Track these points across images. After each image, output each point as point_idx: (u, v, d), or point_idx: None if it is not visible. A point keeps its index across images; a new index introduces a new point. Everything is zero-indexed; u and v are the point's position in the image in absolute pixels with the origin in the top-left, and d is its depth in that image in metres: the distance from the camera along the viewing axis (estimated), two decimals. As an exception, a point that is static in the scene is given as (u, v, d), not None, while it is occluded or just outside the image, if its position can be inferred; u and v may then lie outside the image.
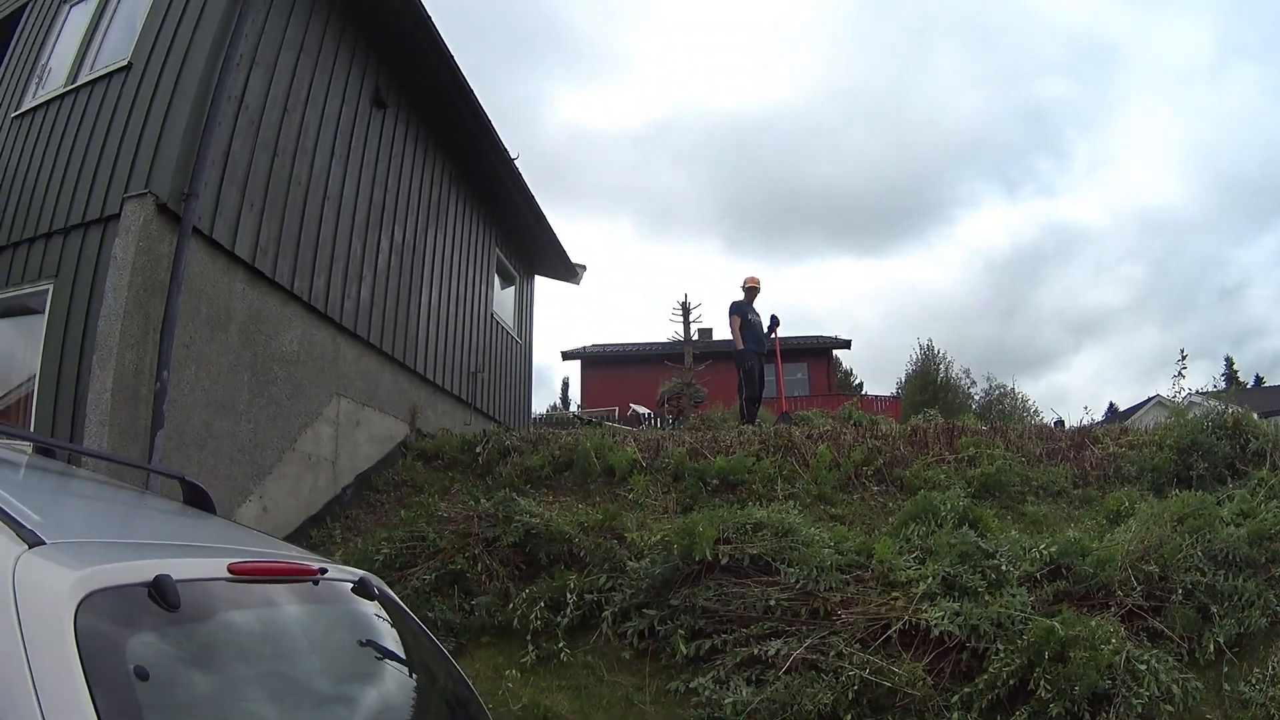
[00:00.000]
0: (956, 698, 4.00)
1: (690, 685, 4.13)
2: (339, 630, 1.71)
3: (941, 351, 26.46)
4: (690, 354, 19.20)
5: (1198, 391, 7.68)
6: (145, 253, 4.87)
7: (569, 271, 13.71)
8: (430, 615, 4.63)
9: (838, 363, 29.32)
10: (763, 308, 10.25)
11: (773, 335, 10.23)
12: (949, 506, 5.23)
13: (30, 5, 6.72)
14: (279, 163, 6.04)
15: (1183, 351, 7.36)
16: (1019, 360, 52.11)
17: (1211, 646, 4.40)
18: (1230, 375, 37.44)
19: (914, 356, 26.50)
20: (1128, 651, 4.13)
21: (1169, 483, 6.22)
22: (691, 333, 19.66)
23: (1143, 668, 4.08)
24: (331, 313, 6.83)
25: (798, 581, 4.44)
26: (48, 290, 5.18)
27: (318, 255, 6.59)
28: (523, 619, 4.63)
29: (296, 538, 6.12)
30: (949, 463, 6.59)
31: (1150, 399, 21.02)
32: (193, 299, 5.23)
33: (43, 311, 5.14)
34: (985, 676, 4.01)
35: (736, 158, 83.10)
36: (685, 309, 19.92)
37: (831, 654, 4.12)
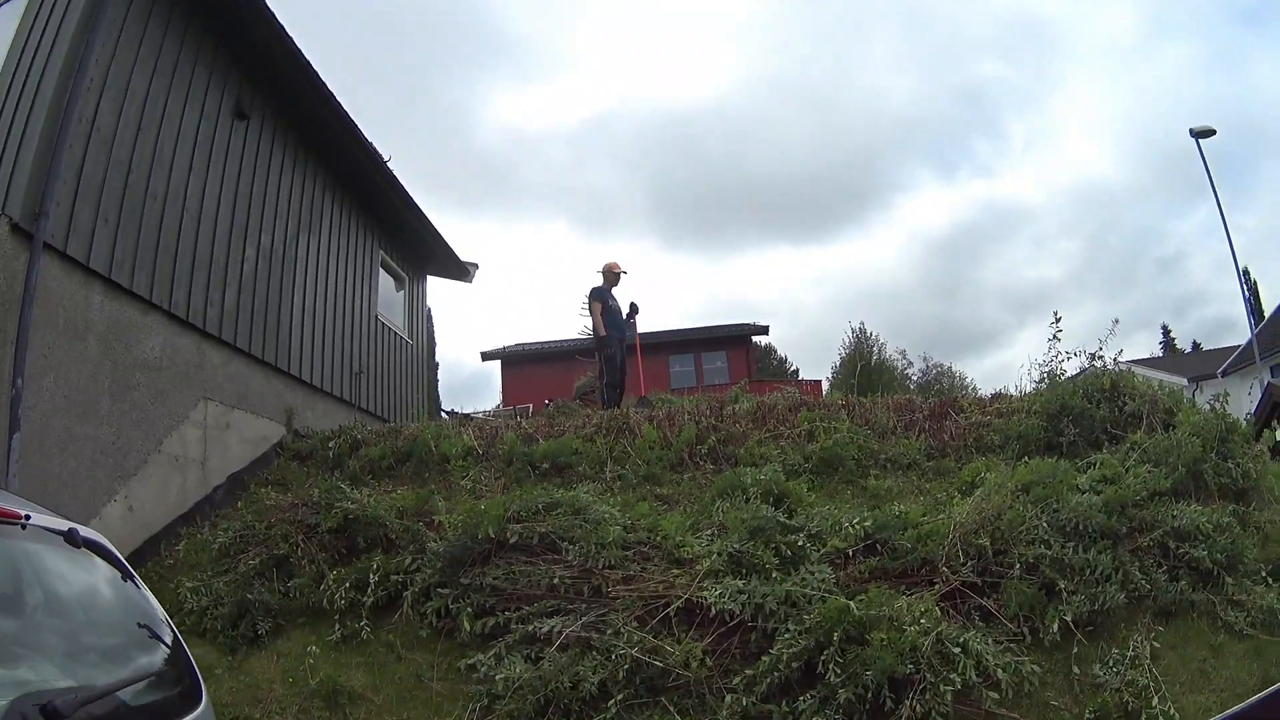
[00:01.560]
0: (739, 680, 4.20)
1: (471, 662, 4.67)
2: (39, 569, 2.24)
3: (874, 334, 28.35)
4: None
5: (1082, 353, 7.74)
6: (1, 270, 5.59)
7: (460, 270, 14.55)
8: (250, 597, 5.44)
9: (771, 349, 30.94)
10: (622, 296, 11.05)
11: (632, 322, 11.03)
12: (750, 481, 5.79)
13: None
14: (134, 179, 6.76)
15: (1056, 314, 7.75)
16: (964, 339, 54.83)
17: (1056, 626, 4.44)
18: (1168, 343, 40.22)
19: (846, 340, 28.32)
20: (939, 632, 4.19)
21: (1037, 451, 6.43)
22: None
23: (957, 650, 4.12)
24: (194, 320, 7.55)
25: (576, 559, 5.05)
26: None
27: (177, 265, 7.32)
28: (331, 600, 5.35)
29: (166, 534, 6.91)
30: (786, 439, 7.24)
31: (1083, 370, 22.86)
32: (49, 311, 5.94)
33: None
34: (767, 658, 4.22)
35: (670, 153, 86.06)
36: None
37: (609, 632, 4.51)
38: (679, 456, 7.20)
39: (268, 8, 7.85)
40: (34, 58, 6.08)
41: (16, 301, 5.66)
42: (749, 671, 4.25)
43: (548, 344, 23.15)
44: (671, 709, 4.28)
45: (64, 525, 2.36)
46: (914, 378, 27.54)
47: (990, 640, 4.37)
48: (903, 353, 29.27)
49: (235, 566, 5.89)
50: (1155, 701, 4.07)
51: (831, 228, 73.41)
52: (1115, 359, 7.51)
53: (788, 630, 4.33)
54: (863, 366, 19.50)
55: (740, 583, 4.70)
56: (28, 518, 2.19)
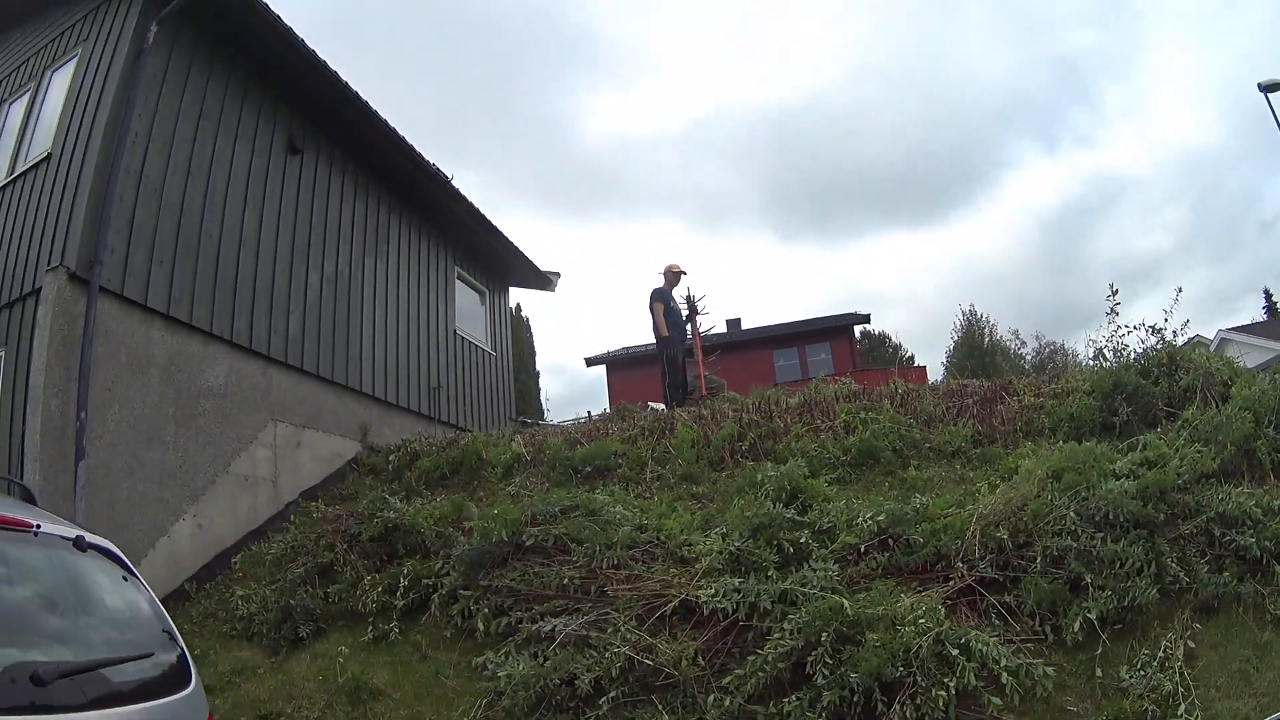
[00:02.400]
0: (729, 679, 4.18)
1: (482, 660, 4.85)
2: (49, 568, 2.72)
3: (984, 316, 27.32)
4: (698, 347, 20.30)
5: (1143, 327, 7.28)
6: (61, 315, 6.29)
7: (541, 280, 14.98)
8: (293, 602, 5.87)
9: (884, 338, 30.24)
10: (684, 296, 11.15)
11: (691, 323, 11.06)
12: (761, 478, 5.76)
13: (-20, 105, 8.41)
14: (187, 221, 7.41)
15: (1112, 286, 7.28)
16: (1081, 315, 52.99)
17: (1078, 624, 4.20)
18: (1271, 308, 36.93)
19: (957, 324, 27.45)
20: (939, 632, 4.05)
21: (1091, 433, 6.16)
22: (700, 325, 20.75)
23: (955, 651, 3.98)
24: (258, 347, 8.18)
25: (581, 560, 5.20)
26: (2, 356, 6.67)
27: (237, 297, 7.96)
28: (365, 603, 5.72)
29: (236, 548, 7.51)
30: (826, 432, 7.12)
31: (1189, 339, 21.20)
32: (111, 348, 6.62)
33: (-1, 374, 6.66)
34: (754, 659, 4.19)
35: (779, 146, 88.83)
36: (691, 304, 21.01)
37: (609, 631, 4.61)
38: (718, 455, 7.19)
39: (308, 51, 8.41)
40: (81, 119, 6.83)
41: (78, 343, 6.35)
42: (739, 671, 4.22)
43: (650, 346, 23.41)
44: (661, 708, 4.30)
45: (73, 533, 2.85)
46: (1028, 358, 26.21)
47: (1002, 640, 4.17)
48: (1015, 333, 27.99)
49: (285, 574, 6.40)
50: (1181, 709, 3.73)
51: (944, 210, 73.38)
52: (1179, 330, 7.05)
53: (780, 629, 4.27)
54: (974, 350, 18.61)
55: (737, 581, 4.68)
56: (38, 527, 2.69)
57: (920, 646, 3.97)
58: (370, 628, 5.62)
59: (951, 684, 3.86)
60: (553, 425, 11.51)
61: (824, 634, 4.11)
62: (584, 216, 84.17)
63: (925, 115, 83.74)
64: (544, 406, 24.21)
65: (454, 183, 11.64)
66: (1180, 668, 3.94)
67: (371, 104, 9.52)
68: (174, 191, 7.32)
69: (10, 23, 8.56)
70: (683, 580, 4.91)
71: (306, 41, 8.35)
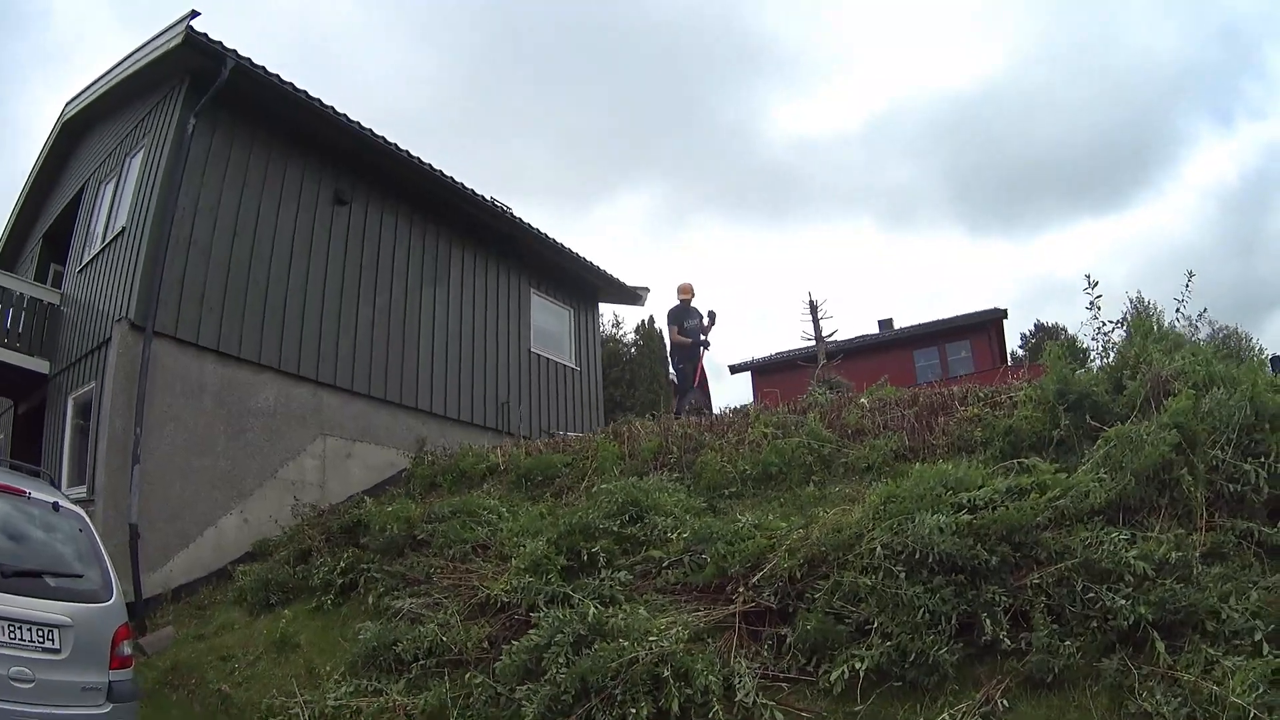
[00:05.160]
0: (499, 664, 5.05)
1: (359, 626, 6.33)
2: (37, 522, 4.60)
3: (1151, 302, 25.12)
4: (823, 352, 20.69)
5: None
6: (124, 355, 8.61)
7: (630, 296, 16.37)
8: (270, 578, 7.77)
9: (1057, 330, 28.52)
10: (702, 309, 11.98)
11: (708, 328, 11.79)
12: (595, 490, 6.82)
13: (86, 185, 11.34)
14: (234, 274, 9.60)
15: (1090, 278, 6.95)
16: (1269, 296, 46.70)
17: (837, 674, 4.12)
18: None
19: (1125, 312, 25.51)
20: (662, 651, 4.45)
21: (1032, 448, 5.83)
22: (823, 330, 21.10)
23: (667, 673, 4.36)
24: (306, 373, 10.27)
25: (435, 553, 6.68)
26: (93, 387, 9.20)
27: (284, 332, 10.07)
28: (314, 580, 7.48)
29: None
30: (747, 445, 7.73)
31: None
32: (168, 379, 8.89)
33: (91, 401, 9.19)
34: (508, 648, 5.06)
35: (961, 138, 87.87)
36: (813, 307, 21.40)
37: (438, 612, 5.86)
38: (645, 467, 8.12)
39: (338, 116, 10.41)
40: (144, 199, 9.19)
41: (138, 376, 8.64)
42: (503, 657, 5.10)
43: (794, 351, 24.02)
44: (448, 680, 5.36)
45: (52, 499, 4.70)
46: (1202, 343, 23.41)
47: (762, 674, 4.42)
48: (1189, 319, 24.89)
49: (273, 556, 8.45)
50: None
51: (1127, 193, 73.81)
52: (1196, 322, 6.67)
53: (539, 626, 5.12)
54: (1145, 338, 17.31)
55: (527, 580, 5.69)
56: (29, 494, 4.59)
57: (636, 661, 4.44)
58: (315, 599, 7.36)
59: (644, 705, 4.32)
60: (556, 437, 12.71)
61: (559, 635, 4.85)
62: (773, 220, 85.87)
63: (1100, 96, 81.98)
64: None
65: (514, 213, 13.33)
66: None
67: (412, 152, 11.42)
68: (221, 250, 9.52)
69: (111, 109, 11.33)
70: (490, 575, 6.11)
71: (337, 107, 10.37)
